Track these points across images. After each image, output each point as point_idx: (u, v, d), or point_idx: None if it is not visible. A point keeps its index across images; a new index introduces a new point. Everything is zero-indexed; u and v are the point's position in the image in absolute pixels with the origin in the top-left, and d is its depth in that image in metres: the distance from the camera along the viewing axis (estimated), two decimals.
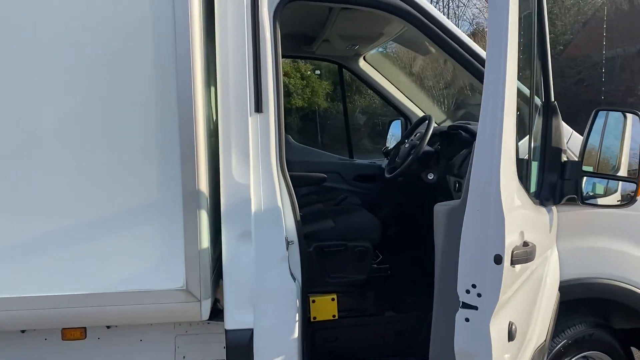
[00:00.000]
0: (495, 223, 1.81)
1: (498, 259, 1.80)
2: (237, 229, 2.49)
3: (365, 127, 18.87)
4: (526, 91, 2.36)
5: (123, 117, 2.37)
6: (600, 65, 19.99)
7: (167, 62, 2.36)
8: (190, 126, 2.36)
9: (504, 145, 1.89)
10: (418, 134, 3.56)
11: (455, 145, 3.13)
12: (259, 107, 2.49)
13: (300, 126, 20.55)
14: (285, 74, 20.72)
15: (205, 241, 2.45)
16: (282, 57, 4.26)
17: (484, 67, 2.17)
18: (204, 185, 2.42)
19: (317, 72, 21.11)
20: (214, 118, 2.67)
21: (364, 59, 4.40)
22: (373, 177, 4.49)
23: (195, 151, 2.37)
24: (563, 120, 2.51)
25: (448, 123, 4.44)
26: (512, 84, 1.96)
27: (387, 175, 3.21)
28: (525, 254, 1.89)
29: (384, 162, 4.46)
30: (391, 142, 4.78)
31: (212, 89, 2.63)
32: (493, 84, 1.94)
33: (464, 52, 2.59)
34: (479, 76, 2.44)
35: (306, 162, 4.46)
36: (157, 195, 2.42)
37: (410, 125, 4.42)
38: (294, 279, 2.62)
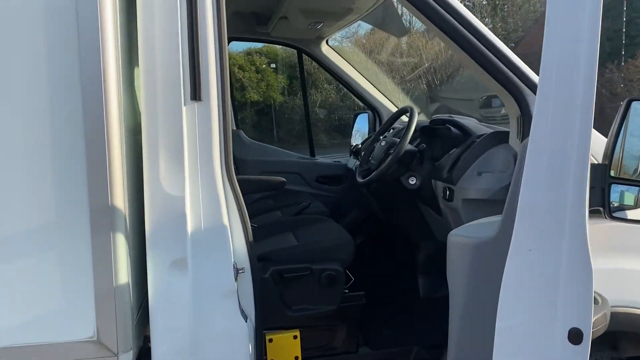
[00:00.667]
0: (571, 276, 1.12)
1: (576, 336, 1.14)
2: (168, 255, 1.84)
3: (322, 121, 18.28)
4: None
5: None
6: None
7: (66, 32, 1.68)
8: (98, 118, 1.68)
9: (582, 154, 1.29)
10: (395, 129, 2.97)
11: (443, 144, 2.55)
12: (196, 94, 1.84)
13: (255, 121, 19.79)
14: (240, 68, 19.93)
15: (123, 274, 1.78)
16: (231, 40, 3.62)
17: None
18: (120, 198, 1.74)
19: (273, 65, 20.40)
20: (138, 109, 1.99)
21: (327, 43, 3.77)
22: (338, 179, 3.88)
23: (107, 152, 1.70)
24: None
25: (422, 118, 3.87)
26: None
27: (359, 180, 2.60)
28: (603, 320, 1.24)
29: (349, 161, 3.85)
30: (356, 138, 4.18)
31: (136, 69, 1.96)
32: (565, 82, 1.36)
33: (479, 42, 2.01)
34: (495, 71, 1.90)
35: (261, 161, 3.81)
36: (53, 214, 1.73)
37: (381, 119, 3.85)
38: (245, 317, 1.99)
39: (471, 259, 1.17)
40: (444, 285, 2.99)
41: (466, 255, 1.17)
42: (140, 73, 1.84)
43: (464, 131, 2.39)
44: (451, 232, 1.35)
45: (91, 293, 1.75)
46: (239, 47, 21.02)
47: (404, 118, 3.25)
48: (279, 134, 19.30)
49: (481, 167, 2.19)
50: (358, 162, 3.07)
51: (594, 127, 1.83)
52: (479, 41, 2.03)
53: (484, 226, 1.24)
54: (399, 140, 2.49)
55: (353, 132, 4.18)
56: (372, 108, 3.87)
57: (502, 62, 2.04)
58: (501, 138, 2.24)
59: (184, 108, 1.82)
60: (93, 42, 1.67)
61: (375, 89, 3.79)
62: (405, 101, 4.04)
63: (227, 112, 1.90)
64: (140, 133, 1.84)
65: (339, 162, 3.93)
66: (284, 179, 2.76)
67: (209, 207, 1.89)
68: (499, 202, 2.14)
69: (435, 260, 2.91)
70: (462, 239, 1.26)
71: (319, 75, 19.38)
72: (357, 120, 4.18)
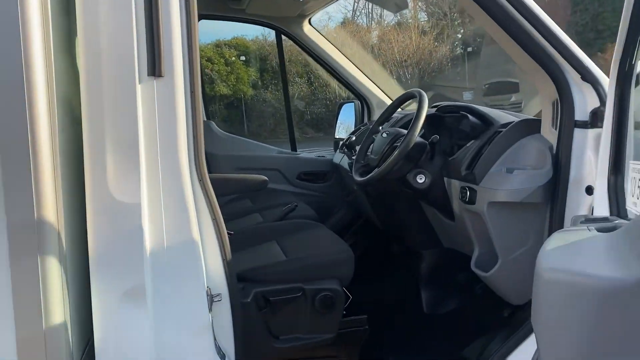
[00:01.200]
0: None
1: None
2: (120, 283, 1.37)
3: (293, 115, 17.79)
4: None
5: None
6: None
7: None
8: (16, 102, 1.21)
9: None
10: (393, 119, 2.54)
11: (456, 135, 2.13)
12: (155, 68, 1.37)
13: (225, 115, 19.19)
14: (209, 60, 19.27)
15: (56, 310, 1.31)
16: (201, 19, 3.12)
17: None
18: (50, 209, 1.26)
19: (243, 58, 19.81)
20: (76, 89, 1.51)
21: (310, 22, 3.31)
22: (323, 176, 3.43)
23: (32, 148, 1.22)
24: None
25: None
26: None
27: (358, 179, 2.16)
28: None
29: (335, 155, 3.41)
30: (340, 130, 3.74)
31: (74, 37, 1.48)
32: None
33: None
34: None
35: (235, 156, 3.34)
36: None
37: (370, 109, 3.41)
38: (223, 355, 1.55)
39: (598, 312, 0.72)
40: (449, 299, 2.64)
41: (587, 305, 0.72)
42: (79, 41, 1.36)
43: (485, 120, 1.97)
44: (541, 262, 0.88)
45: (12, 338, 1.27)
46: (206, 39, 20.36)
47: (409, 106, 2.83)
48: (250, 128, 18.73)
49: (510, 163, 1.78)
50: (349, 158, 2.64)
51: None
52: (515, 9, 1.61)
53: (594, 249, 0.79)
54: (404, 131, 2.06)
55: (337, 124, 3.73)
56: (359, 97, 3.43)
57: (541, 35, 1.63)
58: (532, 127, 1.84)
59: (138, 87, 1.35)
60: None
61: (363, 75, 3.35)
62: (396, 90, 3.61)
63: (196, 92, 1.44)
64: (80, 122, 1.37)
65: (323, 156, 3.48)
66: (266, 178, 2.31)
67: (173, 217, 1.43)
68: (536, 205, 1.74)
69: (441, 271, 2.51)
70: (573, 277, 0.78)
71: (290, 68, 18.91)
72: (341, 110, 3.74)
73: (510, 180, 1.72)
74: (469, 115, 2.00)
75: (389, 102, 3.37)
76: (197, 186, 1.47)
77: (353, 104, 3.57)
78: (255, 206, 2.93)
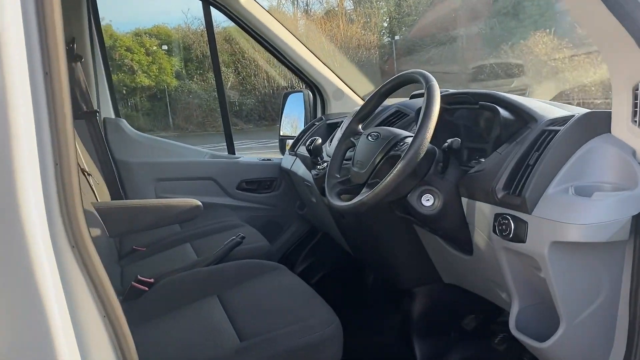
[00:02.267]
0: None
1: None
2: None
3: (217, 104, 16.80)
4: None
5: None
6: (446, 44, 19.98)
7: None
8: None
9: None
10: (385, 117, 1.85)
11: (472, 135, 1.48)
12: None
13: (148, 108, 17.94)
14: (128, 50, 17.88)
15: None
16: None
17: None
18: None
19: (165, 47, 18.61)
20: None
21: None
22: (269, 184, 2.72)
23: None
24: None
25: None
26: None
27: (337, 204, 1.42)
28: None
29: (285, 158, 2.70)
30: (286, 125, 3.03)
31: None
32: None
33: None
34: None
35: (156, 164, 2.56)
36: None
37: (324, 100, 2.72)
38: None
39: None
40: (453, 353, 2.00)
41: None
42: None
43: (521, 114, 1.33)
44: None
45: None
46: (125, 27, 18.96)
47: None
48: (176, 121, 17.60)
49: (577, 179, 1.15)
50: (311, 167, 1.94)
51: None
52: None
53: None
54: (401, 132, 1.39)
55: (282, 119, 3.02)
56: (310, 84, 2.73)
57: None
58: (599, 125, 1.21)
59: None
60: None
61: (315, 57, 2.66)
62: (357, 77, 2.93)
63: (61, 96, 0.69)
64: None
65: (269, 160, 2.76)
66: (199, 203, 1.58)
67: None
68: (621, 243, 1.11)
69: (440, 314, 1.87)
70: None
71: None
72: (287, 101, 3.02)
73: (589, 208, 1.08)
74: (497, 107, 1.35)
75: (349, 92, 2.69)
76: (68, 259, 0.73)
77: (302, 93, 2.87)
78: (184, 231, 2.17)
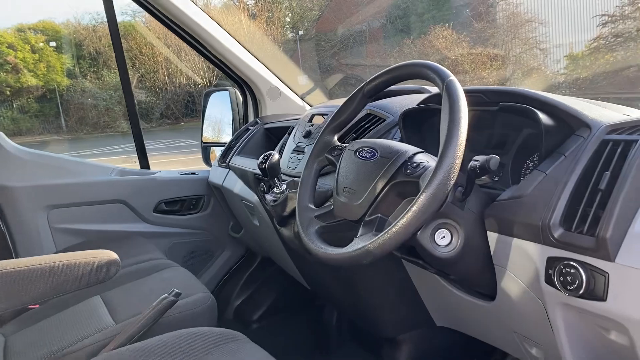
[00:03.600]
0: None
1: None
2: None
3: (121, 105, 15.66)
4: None
5: None
6: (350, 39, 20.09)
7: None
8: None
9: None
10: (376, 126, 1.41)
11: (495, 146, 1.12)
12: None
13: (37, 109, 16.35)
14: (10, 47, 16.16)
15: None
16: None
17: None
18: None
19: (53, 44, 17.07)
20: None
21: None
22: (195, 203, 2.23)
23: None
24: None
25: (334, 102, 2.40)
26: None
27: (330, 254, 0.98)
28: None
29: (214, 170, 2.22)
30: (209, 129, 2.55)
31: None
32: None
33: None
34: None
35: (46, 187, 1.98)
36: None
37: (257, 99, 2.28)
38: None
39: None
40: None
41: None
42: None
43: (560, 117, 0.97)
44: None
45: None
46: (5, 22, 17.16)
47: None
48: (69, 123, 16.16)
49: None
50: (264, 191, 1.48)
51: None
52: None
53: None
54: (410, 147, 0.98)
55: (204, 122, 2.52)
56: (239, 81, 2.26)
57: None
58: None
59: None
60: None
61: (245, 50, 2.19)
62: (295, 73, 2.48)
63: None
64: None
65: (193, 174, 2.26)
66: (116, 255, 1.10)
67: None
68: None
69: None
70: None
71: (110, 54, 16.56)
72: (209, 101, 2.53)
73: None
74: (534, 110, 0.98)
75: (287, 90, 2.26)
76: None
77: (227, 92, 2.40)
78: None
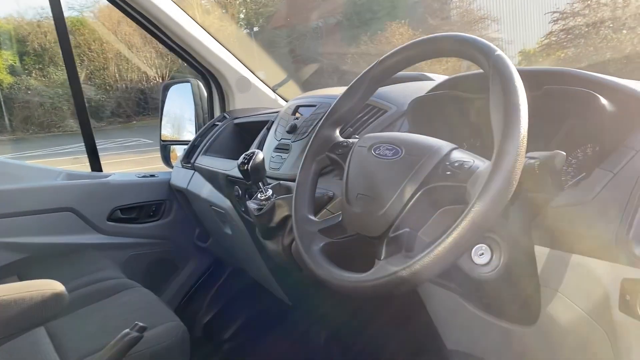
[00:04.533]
0: None
1: None
2: None
3: (68, 104, 14.91)
4: None
5: None
6: (306, 35, 19.94)
7: None
8: None
9: None
10: (376, 118, 1.17)
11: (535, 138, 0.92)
12: None
13: None
14: None
15: None
16: None
17: None
18: None
19: None
20: None
21: None
22: (156, 209, 1.96)
23: None
24: None
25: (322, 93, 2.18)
26: None
27: (333, 277, 0.78)
28: None
29: (177, 172, 1.96)
30: (168, 126, 2.28)
31: None
32: None
33: None
34: None
35: None
36: None
37: (223, 90, 2.03)
38: None
39: None
40: None
41: None
42: None
43: (626, 104, 0.79)
44: None
45: None
46: None
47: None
48: (13, 122, 15.27)
49: None
50: (241, 196, 1.24)
51: None
52: None
53: None
54: (445, 143, 0.76)
55: (163, 118, 2.25)
56: (202, 72, 2.01)
57: None
58: None
59: None
60: None
61: (210, 37, 1.93)
62: (262, 61, 2.22)
63: None
64: None
65: (152, 176, 1.99)
66: (62, 288, 0.85)
67: None
68: None
69: None
70: None
71: (57, 50, 15.74)
72: (168, 95, 2.25)
73: None
74: (597, 95, 0.79)
75: (257, 81, 2.02)
76: None
77: (189, 84, 2.14)
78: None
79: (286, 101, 2.02)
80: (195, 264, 2.02)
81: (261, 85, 2.02)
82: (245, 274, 1.90)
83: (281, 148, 1.28)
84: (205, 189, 1.67)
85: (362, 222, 0.78)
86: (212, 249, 1.95)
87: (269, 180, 1.14)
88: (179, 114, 2.28)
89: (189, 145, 1.90)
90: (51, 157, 11.02)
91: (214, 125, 1.89)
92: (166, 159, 2.21)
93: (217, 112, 2.07)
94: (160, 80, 16.55)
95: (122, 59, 16.67)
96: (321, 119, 0.96)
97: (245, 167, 1.05)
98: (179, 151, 2.30)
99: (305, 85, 2.29)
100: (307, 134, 1.21)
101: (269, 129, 1.42)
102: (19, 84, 15.46)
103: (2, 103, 15.20)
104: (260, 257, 1.49)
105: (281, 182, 1.14)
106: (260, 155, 1.06)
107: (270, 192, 1.09)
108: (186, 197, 1.86)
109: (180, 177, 1.87)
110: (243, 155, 1.07)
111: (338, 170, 0.93)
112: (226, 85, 1.98)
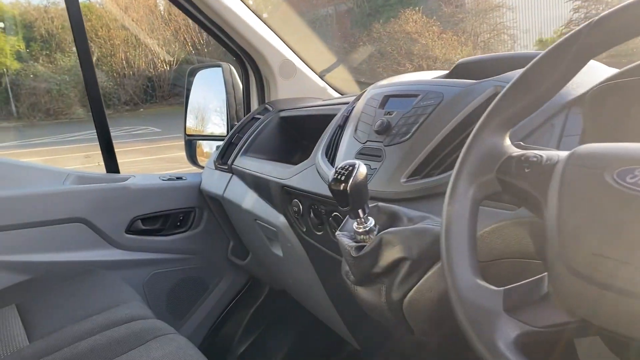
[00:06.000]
0: None
1: None
2: None
3: (76, 90, 14.59)
4: None
5: None
6: (316, 23, 19.63)
7: None
8: None
9: None
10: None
11: None
12: None
13: None
14: None
15: None
16: None
17: None
18: None
19: (1, 25, 15.81)
20: None
21: None
22: (183, 218, 1.62)
23: None
24: None
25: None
26: None
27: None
28: None
29: (205, 174, 1.62)
30: (193, 120, 1.94)
31: None
32: None
33: None
34: None
35: None
36: None
37: (262, 75, 1.68)
38: None
39: None
40: None
41: None
42: None
43: None
44: None
45: None
46: None
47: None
48: (20, 109, 14.95)
49: None
50: (347, 220, 0.90)
51: None
52: None
53: None
54: None
55: (188, 109, 1.91)
56: (240, 55, 1.65)
57: None
58: None
59: None
60: None
61: (251, 13, 1.58)
62: (306, 42, 1.87)
63: None
64: None
65: (180, 178, 1.65)
66: None
67: None
68: None
69: None
70: None
71: (64, 36, 15.36)
72: (194, 82, 1.91)
73: None
74: None
75: (303, 65, 1.67)
76: None
77: (220, 68, 1.79)
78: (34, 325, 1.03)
79: (337, 91, 1.67)
80: (229, 282, 1.69)
81: (308, 70, 1.67)
82: (285, 294, 1.57)
83: (368, 154, 0.93)
84: (248, 199, 1.33)
85: (606, 308, 0.44)
86: (251, 268, 1.61)
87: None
88: (207, 104, 1.94)
89: (224, 142, 1.55)
90: (60, 144, 10.69)
91: (254, 118, 1.54)
92: (192, 156, 1.87)
93: (254, 103, 1.72)
94: (168, 68, 16.17)
95: (129, 45, 16.31)
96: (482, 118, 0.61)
97: (343, 187, 0.70)
98: (205, 147, 1.96)
99: (360, 72, 1.94)
100: (409, 135, 0.87)
101: (341, 126, 1.07)
102: (25, 70, 15.15)
103: (9, 89, 14.89)
104: (324, 291, 1.15)
105: (380, 204, 0.80)
106: (362, 170, 0.71)
107: (371, 221, 0.74)
108: (220, 205, 1.52)
109: (214, 181, 1.52)
110: (337, 169, 0.72)
111: (513, 200, 0.58)
112: (267, 70, 1.63)
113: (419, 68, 11.62)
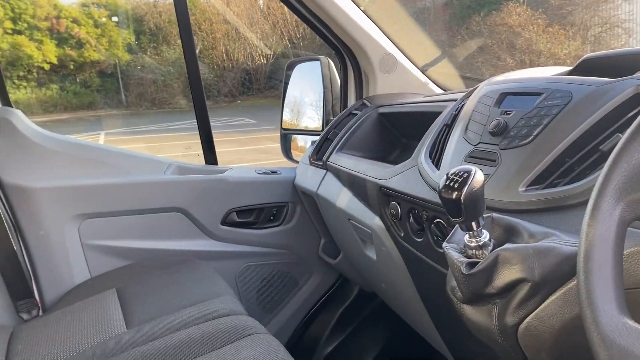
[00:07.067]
0: None
1: None
2: None
3: (179, 81, 15.37)
4: None
5: None
6: (412, 17, 19.15)
7: None
8: None
9: None
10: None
11: None
12: None
13: (99, 84, 16.31)
14: (75, 22, 16.10)
15: None
16: None
17: None
18: None
19: (115, 19, 16.96)
20: None
21: None
22: (277, 212, 1.61)
23: None
24: None
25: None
26: None
27: None
28: None
29: (299, 169, 1.60)
30: (289, 114, 1.92)
31: None
32: None
33: None
34: None
35: (77, 188, 1.41)
36: None
37: (361, 70, 1.62)
38: None
39: None
40: None
41: None
42: None
43: None
44: None
45: None
46: None
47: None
48: (129, 98, 16.02)
49: None
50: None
51: None
52: None
53: None
54: None
55: (285, 102, 1.90)
56: (339, 48, 1.61)
57: None
58: None
59: None
60: None
61: (352, 4, 1.53)
62: (409, 35, 1.79)
63: None
64: None
65: (275, 172, 1.64)
66: None
67: None
68: None
69: None
70: None
71: (170, 30, 16.21)
72: (292, 76, 1.89)
73: None
74: None
75: (405, 59, 1.59)
76: None
77: (318, 62, 1.75)
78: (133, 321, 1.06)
79: (440, 87, 1.57)
80: (319, 279, 1.66)
81: (409, 64, 1.59)
82: (376, 295, 1.51)
83: (480, 157, 0.84)
84: (342, 197, 1.28)
85: None
86: (341, 268, 1.57)
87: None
88: (304, 99, 1.92)
89: (319, 137, 1.52)
90: (161, 132, 11.30)
91: (351, 114, 1.49)
92: (287, 150, 1.85)
93: (351, 98, 1.67)
94: (265, 62, 16.58)
95: (229, 39, 16.88)
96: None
97: (456, 196, 0.63)
98: (300, 141, 1.94)
99: (458, 67, 1.83)
100: (530, 138, 0.77)
101: (448, 126, 0.99)
102: (134, 62, 16.16)
103: (120, 79, 15.97)
104: (421, 301, 1.08)
105: (494, 215, 0.71)
106: (479, 177, 0.64)
107: (486, 235, 0.66)
108: (314, 202, 1.49)
109: (308, 177, 1.49)
110: (449, 175, 0.65)
111: None
112: (366, 64, 1.57)
113: (521, 63, 11.02)
